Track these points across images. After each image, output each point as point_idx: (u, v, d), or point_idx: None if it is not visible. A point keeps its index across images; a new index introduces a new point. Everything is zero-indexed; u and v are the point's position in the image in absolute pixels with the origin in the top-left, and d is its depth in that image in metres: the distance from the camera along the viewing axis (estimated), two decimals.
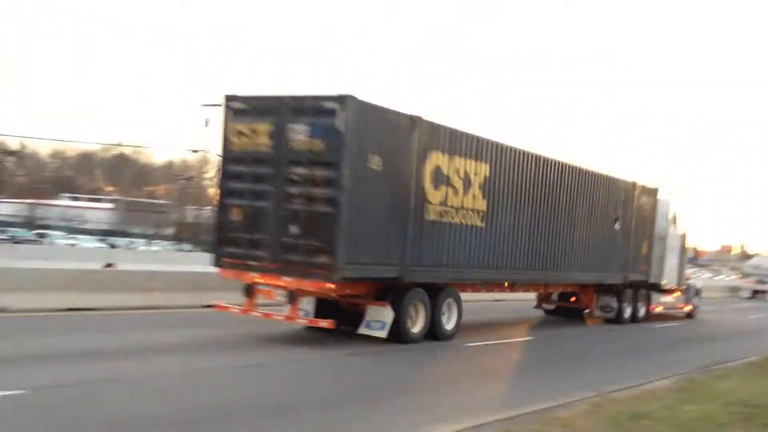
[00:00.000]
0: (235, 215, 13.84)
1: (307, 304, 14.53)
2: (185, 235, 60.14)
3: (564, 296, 23.12)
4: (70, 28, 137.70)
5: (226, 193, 14.12)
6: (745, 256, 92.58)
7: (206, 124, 53.39)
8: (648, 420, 8.47)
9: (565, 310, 23.46)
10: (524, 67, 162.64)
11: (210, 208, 66.68)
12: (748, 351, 17.71)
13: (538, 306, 23.48)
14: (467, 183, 15.60)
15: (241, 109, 13.86)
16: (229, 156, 14.04)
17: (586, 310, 22.70)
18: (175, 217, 66.73)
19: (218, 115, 14.19)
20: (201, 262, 21.71)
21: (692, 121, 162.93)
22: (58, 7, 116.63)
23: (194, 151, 61.17)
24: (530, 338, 18.19)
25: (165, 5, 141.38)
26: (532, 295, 23.37)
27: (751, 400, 9.92)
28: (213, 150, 61.93)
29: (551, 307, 23.45)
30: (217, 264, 14.15)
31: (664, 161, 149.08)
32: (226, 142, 14.01)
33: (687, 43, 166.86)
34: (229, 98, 13.97)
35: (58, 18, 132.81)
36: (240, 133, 13.80)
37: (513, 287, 19.27)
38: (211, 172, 75.54)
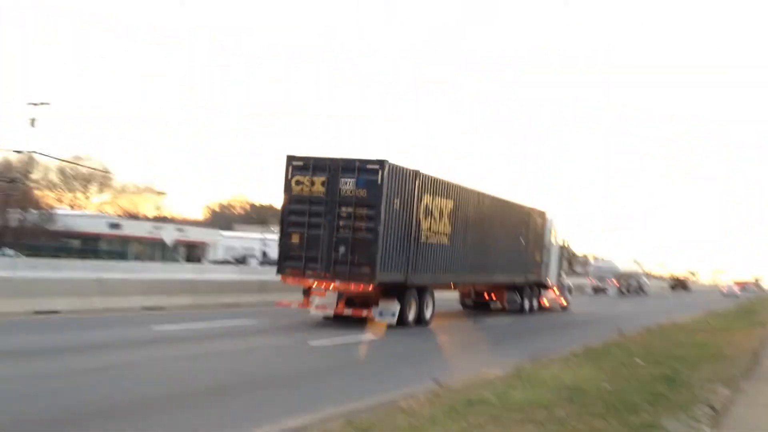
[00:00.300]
0: (295, 239, 19.76)
1: (332, 299, 20.48)
2: (7, 239, 55.36)
3: (478, 294, 30.24)
4: (70, 28, 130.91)
5: (288, 224, 20.01)
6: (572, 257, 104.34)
7: (32, 124, 52.57)
8: (483, 405, 9.06)
9: (479, 304, 30.59)
10: (524, 67, 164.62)
11: (37, 211, 65.97)
12: (584, 338, 20.11)
13: (461, 302, 30.47)
14: (441, 214, 22.26)
15: (300, 165, 19.80)
16: (290, 198, 19.91)
17: (498, 304, 29.99)
18: None
19: (282, 168, 19.93)
20: (30, 268, 22.15)
21: (692, 121, 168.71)
22: (58, 7, 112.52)
23: (17, 152, 59.93)
24: (452, 325, 25.02)
25: (165, 5, 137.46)
26: (449, 294, 30.14)
27: (573, 385, 10.76)
28: (39, 151, 58.78)
29: (470, 302, 30.50)
30: (281, 272, 20.03)
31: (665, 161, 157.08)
32: (288, 188, 19.88)
33: (687, 43, 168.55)
34: (291, 158, 19.90)
35: (59, 18, 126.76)
36: (299, 182, 19.75)
37: (455, 287, 26.11)
38: (37, 174, 74.23)
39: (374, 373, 13.73)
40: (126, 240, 71.40)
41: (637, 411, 9.35)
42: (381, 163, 19.09)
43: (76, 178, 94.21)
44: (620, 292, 65.58)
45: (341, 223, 19.35)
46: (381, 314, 20.38)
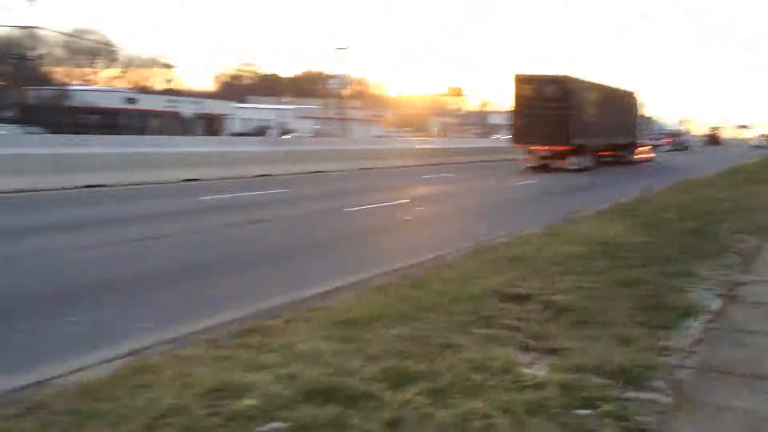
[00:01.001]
0: (521, 122, 34.67)
1: (536, 158, 35.47)
2: (29, 117, 52.44)
3: (596, 151, 45.12)
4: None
5: (517, 113, 34.90)
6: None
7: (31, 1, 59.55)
8: (523, 260, 9.37)
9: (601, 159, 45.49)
10: (524, 67, 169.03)
11: (52, 87, 63.35)
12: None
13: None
14: (592, 103, 36.99)
15: (521, 79, 34.49)
16: (517, 98, 34.69)
17: (608, 158, 45.05)
18: (14, 99, 59.68)
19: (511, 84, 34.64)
20: (62, 145, 21.58)
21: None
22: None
23: (20, 28, 60.55)
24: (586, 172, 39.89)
25: (165, 5, 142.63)
26: None
27: (606, 240, 11.25)
28: (43, 26, 57.48)
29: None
30: (515, 141, 35.19)
31: None
32: (517, 92, 34.60)
33: (687, 42, 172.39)
34: (518, 76, 34.55)
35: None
36: (521, 89, 34.50)
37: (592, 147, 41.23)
38: (43, 50, 72.39)
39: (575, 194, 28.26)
40: (144, 114, 67.78)
41: (670, 261, 9.59)
42: (567, 77, 33.87)
43: (83, 53, 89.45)
44: (671, 148, 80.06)
45: (548, 112, 34.15)
46: (568, 164, 35.38)
